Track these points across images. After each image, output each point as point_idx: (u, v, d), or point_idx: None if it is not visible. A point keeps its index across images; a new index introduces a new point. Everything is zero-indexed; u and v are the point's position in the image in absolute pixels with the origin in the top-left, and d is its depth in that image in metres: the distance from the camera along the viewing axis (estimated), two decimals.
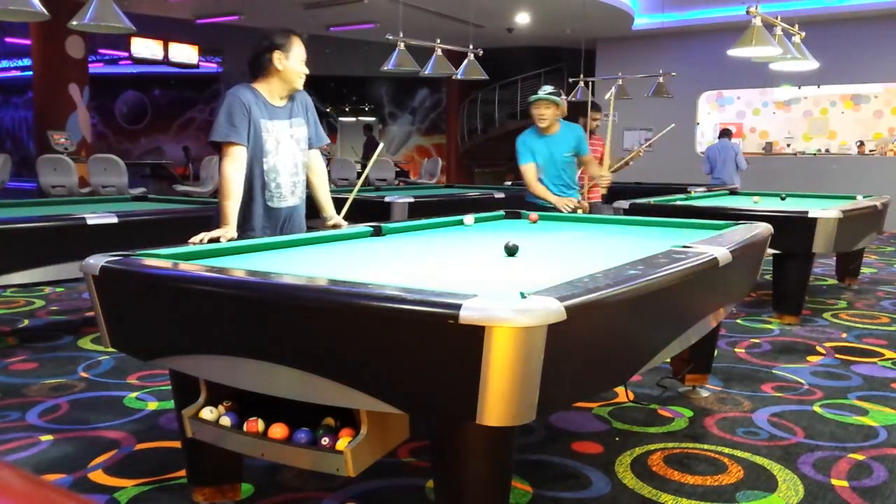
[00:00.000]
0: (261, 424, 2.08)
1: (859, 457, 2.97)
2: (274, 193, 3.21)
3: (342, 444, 1.95)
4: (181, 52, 14.59)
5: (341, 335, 1.86)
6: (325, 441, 1.98)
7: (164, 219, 4.72)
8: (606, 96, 5.69)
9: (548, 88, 4.79)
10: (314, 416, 2.07)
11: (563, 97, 4.87)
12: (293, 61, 3.20)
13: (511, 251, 2.68)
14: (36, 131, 12.22)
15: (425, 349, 1.76)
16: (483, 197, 7.05)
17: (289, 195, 3.27)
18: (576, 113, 5.88)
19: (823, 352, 4.57)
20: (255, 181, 3.15)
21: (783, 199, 6.38)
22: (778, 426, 3.31)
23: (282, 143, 3.21)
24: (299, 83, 3.26)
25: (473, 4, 10.54)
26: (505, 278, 2.31)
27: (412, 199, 6.18)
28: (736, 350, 4.59)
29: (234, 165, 3.06)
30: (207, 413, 2.19)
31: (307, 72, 3.27)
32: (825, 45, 9.94)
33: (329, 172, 11.48)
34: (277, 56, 3.16)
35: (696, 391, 3.71)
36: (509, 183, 9.53)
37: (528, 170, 4.81)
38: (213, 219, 3.23)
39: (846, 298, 6.24)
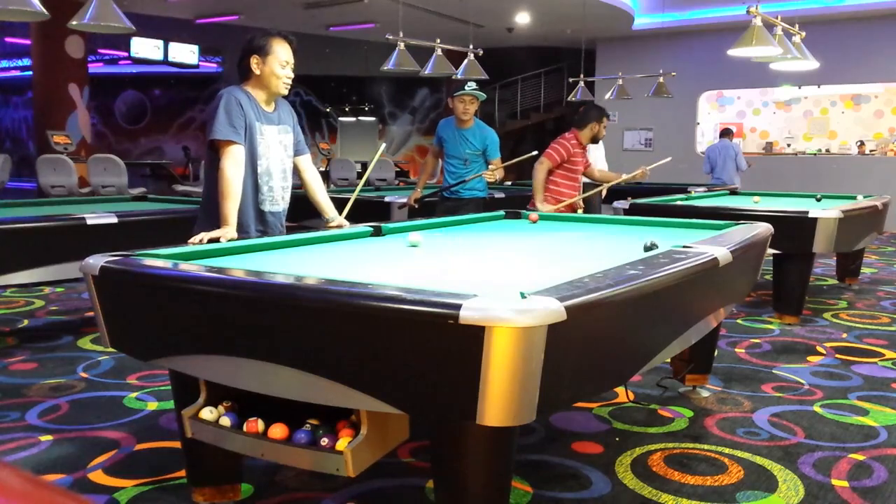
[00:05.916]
0: (261, 425, 2.08)
1: (859, 457, 2.97)
2: (266, 197, 3.19)
3: (342, 444, 1.95)
4: (181, 52, 14.62)
5: (341, 335, 1.86)
6: (324, 441, 1.98)
7: (164, 219, 4.72)
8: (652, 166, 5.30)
9: (473, 84, 4.98)
10: (314, 417, 2.07)
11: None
12: (271, 65, 3.05)
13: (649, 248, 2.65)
14: (36, 131, 12.23)
15: (425, 349, 1.75)
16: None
17: (280, 199, 3.26)
18: (585, 118, 5.41)
19: (823, 352, 4.57)
20: (247, 184, 3.11)
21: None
22: (778, 426, 3.30)
23: (272, 147, 3.17)
24: (280, 88, 3.10)
25: (473, 4, 10.54)
26: (505, 278, 2.30)
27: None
28: (736, 350, 4.59)
29: (235, 165, 3.01)
30: (207, 413, 2.19)
31: (290, 76, 3.11)
32: (825, 45, 9.94)
33: (329, 173, 11.51)
34: (255, 60, 3.05)
35: (696, 391, 3.71)
36: (509, 183, 9.52)
37: (431, 148, 5.72)
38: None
39: (846, 298, 6.24)
